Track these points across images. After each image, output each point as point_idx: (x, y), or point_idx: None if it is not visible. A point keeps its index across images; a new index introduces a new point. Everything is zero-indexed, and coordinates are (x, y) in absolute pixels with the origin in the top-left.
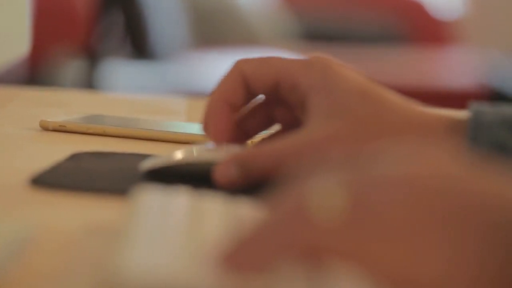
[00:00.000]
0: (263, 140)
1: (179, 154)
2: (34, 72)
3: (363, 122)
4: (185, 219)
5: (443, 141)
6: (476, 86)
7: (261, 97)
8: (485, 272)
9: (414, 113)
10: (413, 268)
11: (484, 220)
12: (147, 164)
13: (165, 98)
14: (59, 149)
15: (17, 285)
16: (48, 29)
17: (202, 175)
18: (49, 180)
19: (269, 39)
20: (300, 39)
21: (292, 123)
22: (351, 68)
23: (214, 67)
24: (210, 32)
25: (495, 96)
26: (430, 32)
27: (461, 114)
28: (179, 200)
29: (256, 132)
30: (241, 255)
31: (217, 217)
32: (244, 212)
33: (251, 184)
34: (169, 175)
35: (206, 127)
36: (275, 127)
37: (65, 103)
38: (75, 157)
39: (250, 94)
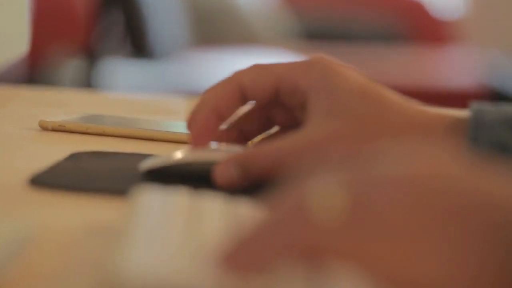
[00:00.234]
0: (263, 140)
1: (178, 154)
2: (33, 72)
3: (363, 122)
4: (184, 219)
5: (443, 140)
6: (476, 86)
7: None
8: (485, 272)
9: (415, 113)
10: (413, 268)
11: (484, 220)
12: (146, 164)
13: (165, 98)
14: (59, 149)
15: (17, 285)
16: (48, 29)
17: (202, 175)
18: (48, 180)
19: (269, 39)
20: (300, 39)
21: (291, 124)
22: (351, 68)
23: (214, 66)
24: (210, 31)
25: (495, 95)
26: (431, 32)
27: (462, 113)
28: (178, 200)
29: (254, 134)
30: (241, 255)
31: (217, 217)
32: (244, 212)
33: (251, 184)
34: (169, 175)
35: (189, 128)
36: (274, 129)
37: (65, 103)
38: (74, 157)
39: (246, 103)
